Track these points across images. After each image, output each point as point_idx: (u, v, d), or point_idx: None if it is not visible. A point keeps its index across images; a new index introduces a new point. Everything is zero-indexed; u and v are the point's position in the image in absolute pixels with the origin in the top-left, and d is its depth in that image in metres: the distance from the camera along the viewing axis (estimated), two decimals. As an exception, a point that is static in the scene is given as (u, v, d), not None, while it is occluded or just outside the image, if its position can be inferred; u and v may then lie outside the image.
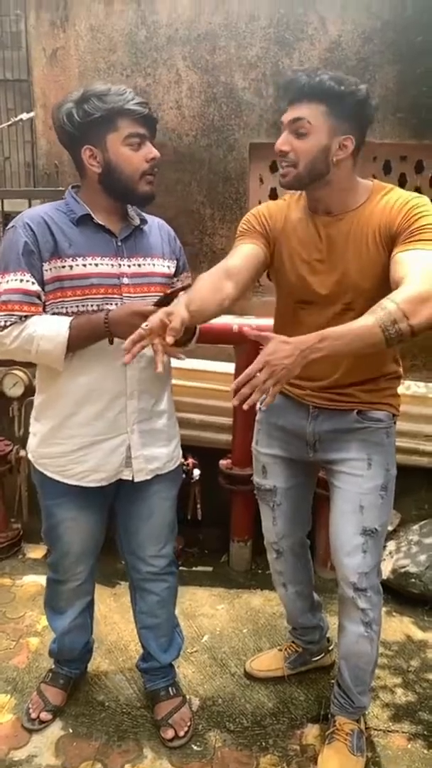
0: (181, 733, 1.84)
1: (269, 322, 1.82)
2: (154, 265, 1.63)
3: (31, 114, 4.78)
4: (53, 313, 1.52)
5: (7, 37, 7.75)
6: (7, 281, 1.48)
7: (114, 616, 2.35)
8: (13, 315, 1.48)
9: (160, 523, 1.79)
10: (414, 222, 1.42)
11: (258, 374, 1.27)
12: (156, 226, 1.69)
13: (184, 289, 1.49)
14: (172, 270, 1.69)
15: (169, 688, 1.92)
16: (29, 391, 2.63)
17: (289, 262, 1.61)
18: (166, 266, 1.67)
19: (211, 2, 2.69)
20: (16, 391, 2.68)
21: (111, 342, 1.49)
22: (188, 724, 1.87)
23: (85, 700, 1.96)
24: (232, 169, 2.84)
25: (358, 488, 1.64)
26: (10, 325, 1.48)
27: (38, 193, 2.81)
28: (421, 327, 1.29)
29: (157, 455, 1.71)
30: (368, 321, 1.29)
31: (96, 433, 1.61)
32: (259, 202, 2.94)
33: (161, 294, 1.54)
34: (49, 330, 1.47)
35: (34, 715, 1.89)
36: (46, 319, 1.50)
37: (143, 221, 1.64)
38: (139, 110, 1.44)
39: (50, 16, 2.73)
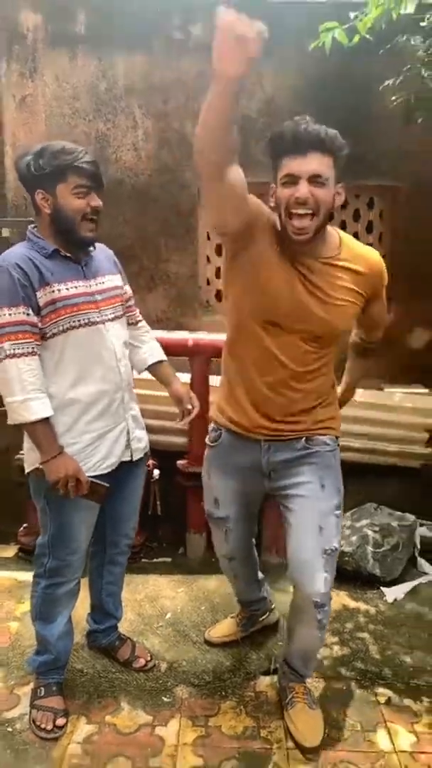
0: (149, 658, 2.26)
1: (221, 337, 2.05)
2: (112, 280, 1.93)
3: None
4: (51, 333, 1.72)
5: None
6: (11, 314, 1.67)
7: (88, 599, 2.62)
8: (29, 343, 1.68)
9: (137, 498, 2.12)
10: (384, 282, 1.77)
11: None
12: (99, 249, 1.93)
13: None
14: (120, 282, 1.97)
15: (121, 636, 2.31)
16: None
17: (261, 270, 1.63)
18: (117, 280, 1.96)
19: (163, 60, 3.07)
20: None
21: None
22: (148, 651, 2.30)
23: (67, 669, 2.21)
24: (183, 205, 3.21)
25: (315, 510, 1.74)
26: (20, 354, 1.67)
27: (8, 223, 3.09)
28: None
29: (142, 436, 2.04)
30: None
31: (103, 426, 1.86)
32: (207, 234, 3.33)
33: (122, 304, 1.93)
34: (32, 404, 1.68)
35: (48, 727, 1.94)
36: (40, 399, 1.70)
37: (93, 247, 1.91)
38: (86, 168, 1.72)
39: (20, 66, 3.05)
